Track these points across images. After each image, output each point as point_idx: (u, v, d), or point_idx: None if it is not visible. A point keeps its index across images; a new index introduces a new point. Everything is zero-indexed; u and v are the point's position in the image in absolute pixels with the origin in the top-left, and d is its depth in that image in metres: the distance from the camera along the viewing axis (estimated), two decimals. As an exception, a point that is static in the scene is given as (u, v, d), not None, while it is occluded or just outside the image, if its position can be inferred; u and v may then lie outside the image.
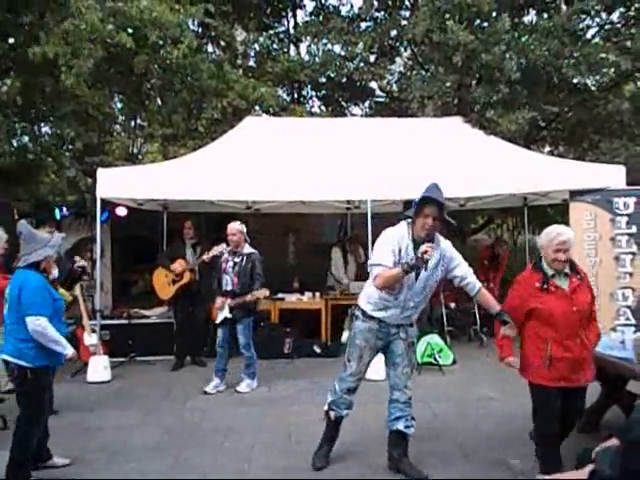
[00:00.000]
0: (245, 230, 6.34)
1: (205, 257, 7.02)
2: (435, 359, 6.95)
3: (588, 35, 10.49)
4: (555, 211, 11.94)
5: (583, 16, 9.88)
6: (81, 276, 5.92)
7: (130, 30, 8.33)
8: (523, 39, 9.43)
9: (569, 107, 10.97)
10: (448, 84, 10.08)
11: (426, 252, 3.68)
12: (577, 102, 10.61)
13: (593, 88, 10.75)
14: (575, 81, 10.18)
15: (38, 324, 3.76)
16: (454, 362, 7.16)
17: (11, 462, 3.68)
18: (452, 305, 8.88)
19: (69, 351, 3.93)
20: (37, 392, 3.85)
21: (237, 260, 6.23)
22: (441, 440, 4.71)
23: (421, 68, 11.70)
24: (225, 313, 6.20)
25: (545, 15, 10.30)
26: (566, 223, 8.08)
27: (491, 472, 4.06)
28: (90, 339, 6.90)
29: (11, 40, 8.89)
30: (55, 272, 4.09)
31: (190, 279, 7.31)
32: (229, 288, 6.22)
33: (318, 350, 7.84)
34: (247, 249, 6.31)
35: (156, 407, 5.67)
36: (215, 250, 6.82)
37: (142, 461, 4.31)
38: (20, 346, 3.81)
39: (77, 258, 5.93)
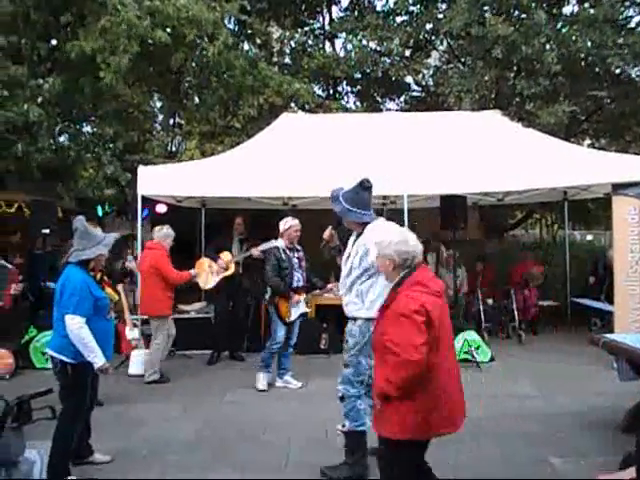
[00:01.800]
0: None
1: (255, 253, 7.03)
2: (472, 356, 6.88)
3: (632, 24, 10.20)
4: (597, 205, 11.69)
5: (627, 3, 9.61)
6: (126, 276, 6.02)
7: (168, 29, 8.46)
8: (564, 30, 9.23)
9: (612, 99, 10.69)
10: (487, 78, 9.94)
11: None
12: (620, 93, 10.32)
13: (638, 79, 10.45)
14: (618, 72, 9.91)
15: (73, 324, 3.77)
16: (492, 359, 7.07)
17: (52, 456, 3.64)
18: (489, 301, 8.78)
19: (100, 362, 3.82)
20: (78, 388, 3.86)
21: (298, 256, 6.20)
22: (479, 438, 4.65)
23: (458, 61, 11.55)
24: (302, 309, 6.19)
25: (586, 5, 10.04)
26: (608, 218, 7.96)
27: (532, 471, 4.00)
28: (132, 333, 7.04)
29: (53, 42, 9.16)
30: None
31: (234, 272, 7.31)
32: (301, 284, 6.17)
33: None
34: (297, 245, 6.31)
35: (195, 400, 5.77)
36: (265, 245, 6.87)
37: (182, 454, 4.40)
38: (63, 342, 3.83)
39: (129, 258, 6.00)
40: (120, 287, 7.40)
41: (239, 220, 7.63)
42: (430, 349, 2.80)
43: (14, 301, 7.15)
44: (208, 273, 7.41)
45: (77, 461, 4.02)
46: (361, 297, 4.00)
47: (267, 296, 6.27)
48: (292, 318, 6.12)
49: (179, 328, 7.79)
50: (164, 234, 6.69)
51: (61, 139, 8.96)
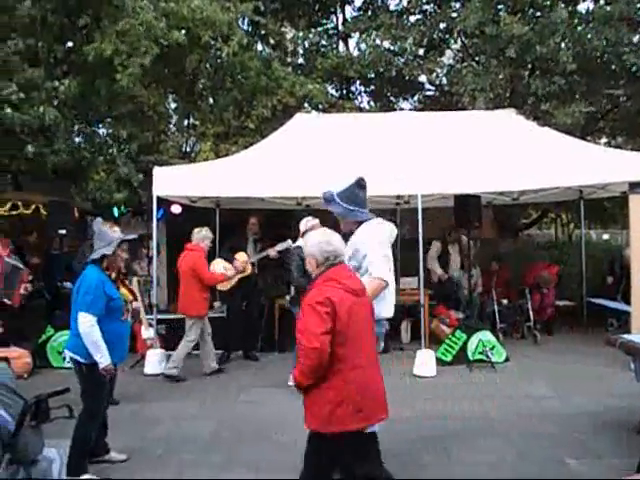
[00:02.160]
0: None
1: (272, 253, 7.05)
2: (487, 356, 6.85)
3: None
4: (613, 204, 11.57)
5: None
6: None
7: (183, 31, 8.51)
8: (579, 28, 9.14)
9: (628, 97, 10.57)
10: (501, 76, 9.88)
11: None
12: (636, 91, 10.20)
13: (654, 77, 10.32)
14: (634, 70, 9.80)
15: (85, 322, 3.80)
16: (507, 359, 7.03)
17: (71, 454, 3.65)
18: (504, 302, 8.73)
19: (105, 363, 3.83)
20: (93, 387, 3.89)
21: None
22: (494, 438, 4.65)
23: (472, 60, 11.49)
24: None
25: (602, 2, 9.94)
26: (625, 216, 7.87)
27: (547, 471, 3.98)
28: (147, 333, 7.11)
29: (69, 44, 9.26)
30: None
31: (251, 273, 7.32)
32: None
33: (370, 345, 7.83)
34: None
35: (211, 399, 5.81)
36: (281, 246, 6.89)
37: (197, 453, 4.43)
38: (77, 342, 3.87)
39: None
40: (135, 287, 7.47)
41: (253, 220, 7.65)
42: (338, 343, 2.90)
43: (26, 299, 7.25)
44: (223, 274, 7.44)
45: (93, 459, 4.06)
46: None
47: (289, 297, 6.26)
48: None
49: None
50: (202, 236, 6.79)
51: (76, 140, 9.04)
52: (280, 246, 6.95)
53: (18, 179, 8.49)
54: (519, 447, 4.43)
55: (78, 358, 3.88)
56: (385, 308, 3.93)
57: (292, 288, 6.17)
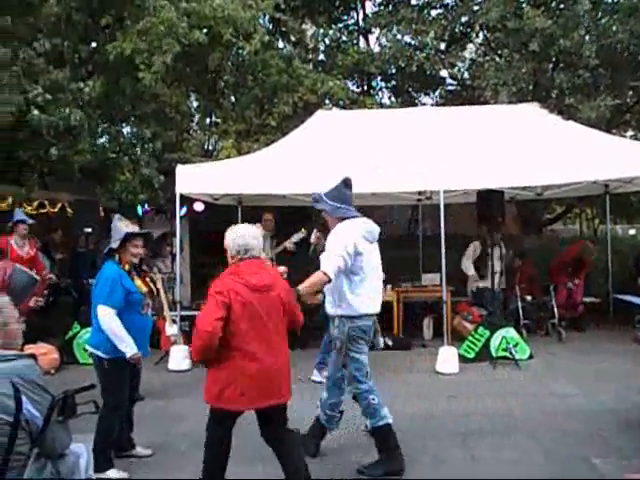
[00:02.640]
0: None
1: (289, 246, 7.06)
2: (511, 353, 6.79)
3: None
4: (640, 198, 11.37)
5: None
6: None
7: (204, 30, 8.57)
8: (603, 21, 8.99)
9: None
10: (524, 70, 9.75)
11: None
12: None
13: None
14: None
15: (104, 314, 3.81)
16: (531, 357, 6.97)
17: (94, 449, 3.56)
18: (528, 298, 8.63)
19: (131, 352, 3.83)
20: (115, 383, 3.90)
21: None
22: (519, 435, 4.60)
23: (494, 54, 11.37)
24: None
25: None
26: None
27: (573, 470, 3.93)
28: (171, 329, 7.16)
29: (93, 44, 9.38)
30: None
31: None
32: None
33: (390, 343, 7.82)
34: None
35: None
36: (296, 236, 6.90)
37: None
38: (99, 337, 3.89)
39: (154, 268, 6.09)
40: (159, 284, 7.54)
41: (268, 216, 7.61)
42: (230, 332, 3.24)
43: (54, 297, 7.36)
44: None
45: (121, 454, 4.11)
46: (333, 295, 4.05)
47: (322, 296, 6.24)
48: None
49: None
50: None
51: (101, 140, 9.17)
52: (296, 237, 6.95)
53: (45, 179, 8.64)
54: (543, 445, 4.38)
55: (99, 353, 3.89)
56: (362, 304, 4.02)
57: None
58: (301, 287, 3.93)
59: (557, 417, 5.00)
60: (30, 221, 6.77)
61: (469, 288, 8.70)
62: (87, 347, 4.07)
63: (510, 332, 7.03)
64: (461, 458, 4.19)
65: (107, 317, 3.82)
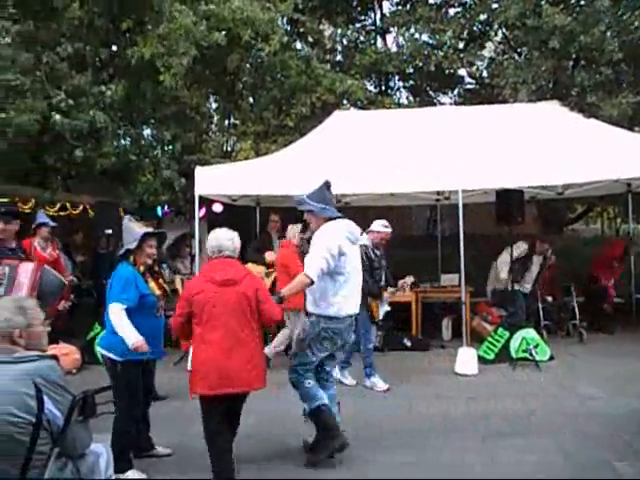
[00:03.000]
0: None
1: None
2: (531, 354, 6.72)
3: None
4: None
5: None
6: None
7: (223, 32, 8.63)
8: (624, 17, 8.86)
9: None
10: (544, 68, 9.66)
11: None
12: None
13: None
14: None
15: (113, 310, 3.80)
16: (551, 358, 6.89)
17: (112, 450, 3.61)
18: (549, 299, 8.53)
19: (132, 340, 3.77)
20: (128, 385, 3.89)
21: (379, 254, 6.15)
22: (539, 437, 4.55)
23: (514, 52, 11.27)
24: (386, 307, 6.22)
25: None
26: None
27: (594, 473, 3.88)
28: (190, 330, 7.24)
29: (114, 48, 9.51)
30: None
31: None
32: (383, 283, 6.17)
33: (408, 344, 7.80)
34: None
35: (252, 395, 5.84)
36: (308, 234, 6.89)
37: (238, 447, 4.47)
38: (111, 339, 3.88)
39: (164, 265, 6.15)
40: (178, 284, 7.62)
41: (275, 217, 7.58)
42: (195, 323, 3.70)
43: (76, 298, 7.46)
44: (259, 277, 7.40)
45: (139, 454, 4.13)
46: (315, 294, 4.12)
47: None
48: (380, 317, 6.17)
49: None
50: (294, 233, 6.84)
51: (123, 142, 9.28)
52: (307, 235, 6.93)
53: (67, 181, 8.76)
54: (564, 447, 4.33)
55: (112, 356, 3.88)
56: (343, 306, 4.12)
57: None
58: (283, 290, 4.12)
59: (578, 419, 4.94)
60: (52, 224, 6.86)
61: (488, 289, 8.63)
62: (99, 349, 4.04)
63: (530, 333, 6.96)
64: (481, 460, 4.15)
65: (116, 313, 3.82)
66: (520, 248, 8.07)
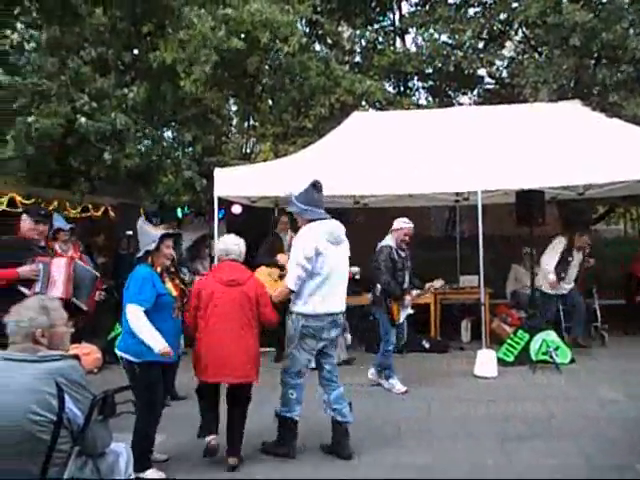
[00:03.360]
0: None
1: None
2: (551, 357, 6.65)
3: None
4: (689, 198, 10.96)
5: None
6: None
7: (242, 35, 8.68)
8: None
9: None
10: (565, 67, 9.54)
11: None
12: None
13: None
14: None
15: (132, 312, 3.81)
16: (572, 361, 6.81)
17: (132, 449, 3.51)
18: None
19: (161, 346, 3.80)
20: (148, 386, 3.89)
21: (404, 255, 6.14)
22: (559, 440, 4.51)
23: (534, 51, 11.16)
24: (409, 310, 6.20)
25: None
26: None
27: (616, 477, 3.83)
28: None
29: (135, 51, 9.62)
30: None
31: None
32: (406, 285, 6.15)
33: (427, 345, 7.77)
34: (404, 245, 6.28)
35: (273, 397, 5.83)
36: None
37: (259, 449, 4.51)
38: (128, 341, 3.89)
39: (184, 271, 6.18)
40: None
41: (284, 219, 7.53)
42: (200, 316, 4.12)
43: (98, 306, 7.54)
44: (271, 281, 7.11)
45: None
46: (296, 293, 4.29)
47: (370, 295, 6.23)
48: (401, 320, 6.14)
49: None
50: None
51: (145, 143, 9.37)
52: None
53: (94, 183, 8.86)
54: (585, 451, 4.28)
55: (129, 357, 3.89)
56: (318, 305, 4.27)
57: (377, 287, 5.99)
58: (273, 295, 4.43)
59: (599, 423, 4.88)
60: (68, 227, 6.92)
61: (508, 290, 8.55)
62: (117, 351, 4.03)
63: (551, 335, 6.89)
64: (500, 463, 4.13)
65: (134, 315, 3.82)
66: (561, 243, 7.70)
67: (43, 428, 2.31)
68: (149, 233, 4.16)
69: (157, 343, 3.80)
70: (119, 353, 4.01)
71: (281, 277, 7.23)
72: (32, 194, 7.55)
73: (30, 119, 7.04)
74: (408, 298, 6.10)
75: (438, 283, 6.24)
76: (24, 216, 5.02)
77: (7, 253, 4.67)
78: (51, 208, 7.82)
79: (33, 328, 2.48)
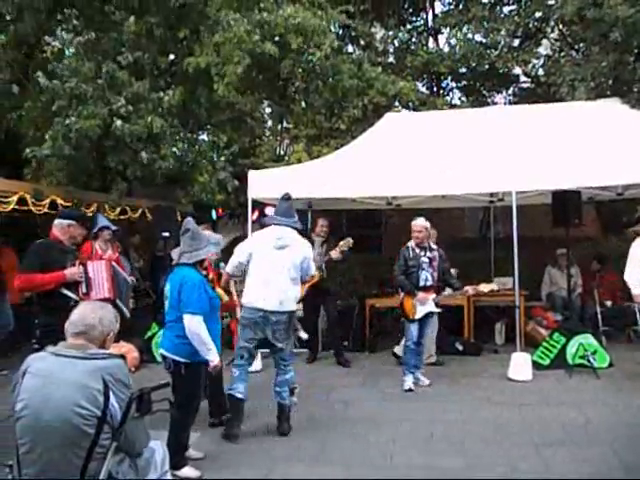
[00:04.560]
0: (429, 225, 6.34)
1: (334, 255, 7.01)
2: (589, 361, 6.51)
3: None
4: None
5: None
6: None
7: (276, 38, 8.77)
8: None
9: None
10: (604, 64, 9.33)
11: None
12: None
13: None
14: None
15: (193, 322, 3.85)
16: (610, 365, 6.66)
17: (168, 447, 3.56)
18: (608, 303, 8.24)
19: (214, 360, 3.91)
20: (191, 386, 3.98)
21: (430, 255, 6.22)
22: (597, 447, 4.42)
23: (571, 49, 10.96)
24: (430, 308, 6.21)
25: None
26: None
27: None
28: (243, 331, 7.37)
29: (171, 56, 9.80)
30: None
31: (319, 277, 7.08)
32: (429, 283, 6.20)
33: (460, 348, 7.70)
34: (433, 244, 6.38)
35: (302, 397, 5.89)
36: (345, 245, 6.90)
37: (290, 448, 4.56)
38: (176, 342, 3.94)
39: (221, 265, 6.28)
40: (232, 287, 7.76)
41: (323, 222, 7.51)
42: None
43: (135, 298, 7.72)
44: None
45: None
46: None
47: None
48: (417, 316, 6.15)
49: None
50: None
51: (180, 146, 9.54)
52: (344, 245, 6.91)
53: (132, 184, 9.07)
54: (623, 459, 4.18)
55: (179, 359, 3.94)
56: (249, 298, 4.82)
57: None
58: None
59: (637, 429, 4.77)
60: (114, 228, 7.11)
61: (543, 292, 8.40)
62: (162, 352, 4.09)
63: (588, 339, 6.74)
64: (534, 468, 4.07)
65: (195, 325, 3.87)
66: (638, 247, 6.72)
67: (88, 422, 2.40)
68: (204, 235, 4.21)
69: (214, 357, 3.94)
70: (165, 353, 4.07)
71: (303, 282, 7.25)
72: (72, 197, 7.78)
73: (68, 121, 7.25)
74: (423, 295, 6.11)
75: (486, 288, 6.15)
76: (68, 222, 5.04)
77: (46, 257, 4.75)
78: (91, 210, 8.05)
79: (109, 330, 2.69)
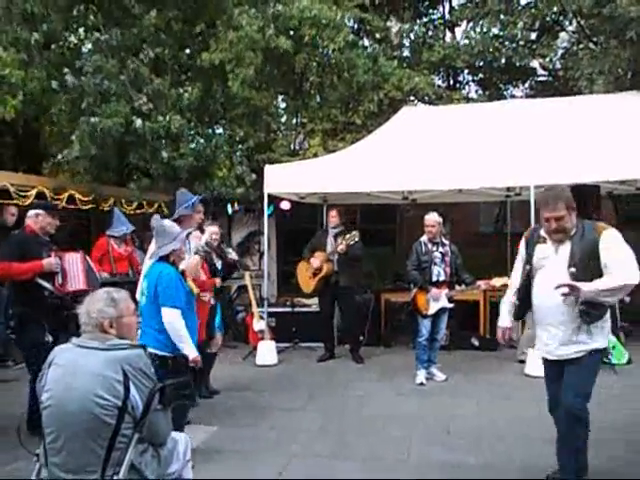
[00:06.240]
0: (442, 221, 6.34)
1: (339, 249, 7.00)
2: (607, 357, 6.44)
3: None
4: None
5: None
6: (233, 268, 6.20)
7: (290, 32, 8.75)
8: None
9: None
10: (622, 57, 9.21)
11: None
12: None
13: None
14: None
15: (171, 316, 3.82)
16: (629, 362, 6.60)
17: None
18: (627, 299, 8.12)
19: (193, 354, 3.87)
20: (181, 377, 3.80)
21: (442, 250, 6.22)
22: (616, 444, 4.38)
23: (589, 42, 10.82)
24: (443, 303, 6.20)
25: None
26: None
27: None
28: (258, 325, 7.42)
29: (187, 51, 9.82)
30: (181, 265, 4.13)
31: (328, 270, 7.15)
32: (442, 279, 6.20)
33: (476, 343, 7.68)
34: (445, 239, 6.37)
35: (318, 392, 5.94)
36: (350, 239, 6.89)
37: (306, 443, 4.56)
38: (159, 337, 3.87)
39: (230, 250, 6.27)
40: (247, 280, 7.80)
41: (333, 213, 7.51)
42: None
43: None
44: (307, 277, 7.36)
45: None
46: None
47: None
48: (430, 312, 6.14)
49: (302, 322, 8.02)
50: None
51: (198, 141, 9.56)
52: (349, 239, 6.90)
53: (154, 180, 9.09)
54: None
55: (164, 353, 3.87)
56: None
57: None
58: None
59: (657, 425, 4.72)
60: (131, 229, 7.10)
61: None
62: (148, 348, 4.09)
63: (606, 334, 6.67)
64: (552, 466, 4.04)
65: (174, 319, 3.84)
66: None
67: (108, 412, 2.43)
68: (172, 232, 4.07)
69: (192, 352, 3.89)
70: (150, 350, 3.99)
71: (314, 274, 7.26)
72: (89, 191, 7.84)
73: (93, 120, 7.28)
74: (436, 291, 6.10)
75: (498, 282, 6.09)
76: (36, 211, 4.98)
77: (23, 248, 4.72)
78: (108, 205, 8.11)
79: (101, 319, 2.62)
